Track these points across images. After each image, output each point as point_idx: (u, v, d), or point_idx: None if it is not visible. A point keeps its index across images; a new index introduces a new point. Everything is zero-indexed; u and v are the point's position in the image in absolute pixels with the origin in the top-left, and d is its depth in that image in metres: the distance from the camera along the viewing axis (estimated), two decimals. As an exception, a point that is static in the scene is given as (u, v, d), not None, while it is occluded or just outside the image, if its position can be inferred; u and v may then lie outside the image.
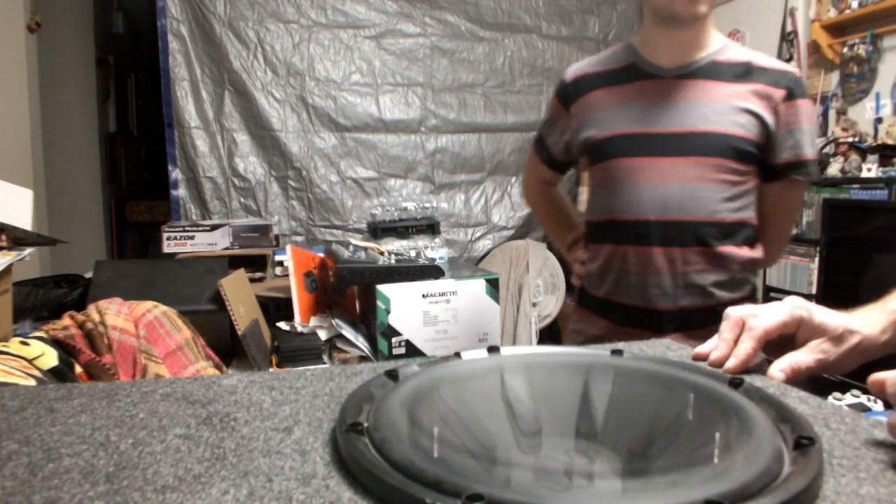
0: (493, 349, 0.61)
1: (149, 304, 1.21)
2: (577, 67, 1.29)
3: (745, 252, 1.17)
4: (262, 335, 1.60)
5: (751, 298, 1.22)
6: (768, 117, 1.12)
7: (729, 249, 1.15)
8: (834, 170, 3.01)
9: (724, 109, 1.12)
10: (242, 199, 3.32)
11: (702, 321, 1.16)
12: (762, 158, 1.15)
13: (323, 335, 1.58)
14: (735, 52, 1.18)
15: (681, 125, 1.13)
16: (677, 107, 1.14)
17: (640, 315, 1.17)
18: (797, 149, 1.14)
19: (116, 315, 1.10)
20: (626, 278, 1.18)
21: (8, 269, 1.20)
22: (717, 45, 1.18)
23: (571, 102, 1.27)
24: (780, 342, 0.65)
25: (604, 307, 1.24)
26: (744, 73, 1.14)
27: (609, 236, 1.21)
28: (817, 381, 2.42)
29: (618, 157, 1.17)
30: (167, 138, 3.22)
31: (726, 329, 0.65)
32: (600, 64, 1.26)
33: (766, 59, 1.17)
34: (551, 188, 1.48)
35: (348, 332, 1.55)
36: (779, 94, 1.13)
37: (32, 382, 0.84)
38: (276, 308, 1.96)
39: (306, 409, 0.52)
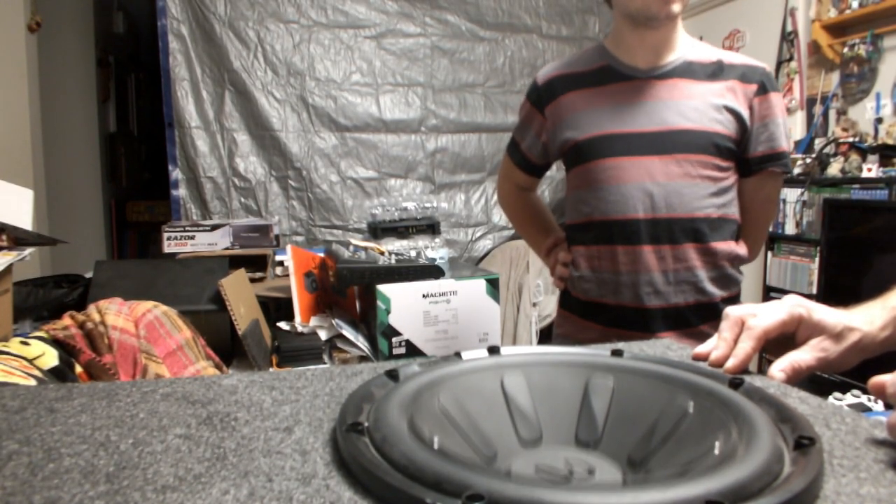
0: (493, 349, 0.61)
1: (149, 303, 1.21)
2: (548, 70, 1.30)
3: (732, 247, 1.19)
4: (262, 335, 1.60)
5: (739, 296, 1.23)
6: (744, 112, 1.15)
7: (717, 245, 1.16)
8: (834, 170, 3.01)
9: (702, 107, 1.14)
10: (243, 199, 3.32)
11: (693, 319, 1.17)
12: (739, 154, 1.17)
13: (323, 335, 1.58)
14: (705, 52, 1.20)
15: (662, 124, 1.14)
16: (656, 106, 1.16)
17: (631, 315, 1.17)
18: (772, 141, 1.17)
19: (117, 315, 1.10)
20: (615, 279, 1.18)
21: (8, 269, 1.20)
22: (688, 45, 1.20)
23: (545, 105, 1.28)
24: (780, 341, 0.65)
25: (591, 310, 1.24)
26: (716, 71, 1.17)
27: (596, 237, 1.20)
28: (817, 381, 2.41)
29: (601, 158, 1.17)
30: (167, 138, 3.22)
31: (726, 329, 0.65)
32: (572, 66, 1.27)
33: (736, 56, 1.20)
34: (528, 193, 1.48)
35: (348, 332, 1.55)
36: (751, 89, 1.16)
37: (33, 382, 0.84)
38: (277, 308, 1.96)
39: (307, 409, 0.52)
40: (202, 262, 1.79)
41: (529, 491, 0.34)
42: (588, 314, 1.25)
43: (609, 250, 1.18)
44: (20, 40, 2.72)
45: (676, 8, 1.11)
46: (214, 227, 2.64)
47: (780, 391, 0.57)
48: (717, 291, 1.17)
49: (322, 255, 1.84)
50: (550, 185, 3.69)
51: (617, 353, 0.61)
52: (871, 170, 2.84)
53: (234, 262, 1.99)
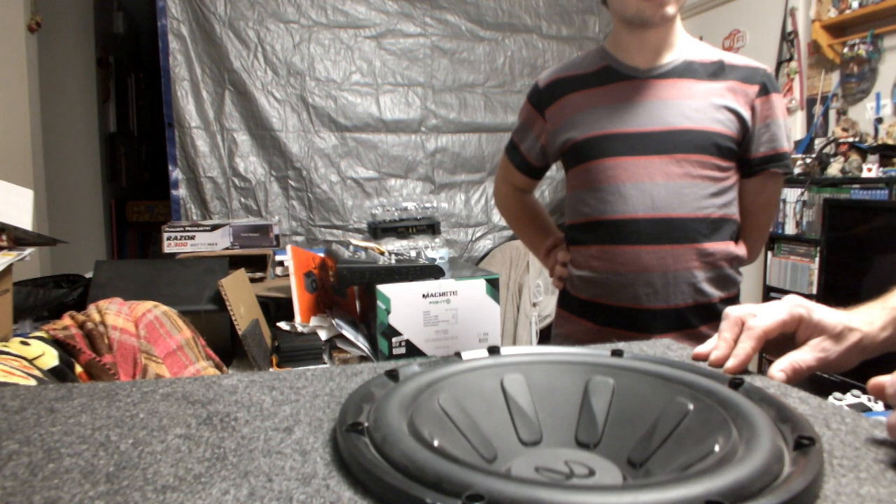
0: (493, 349, 0.61)
1: (149, 304, 1.21)
2: (550, 73, 1.30)
3: (731, 248, 1.18)
4: (262, 335, 1.60)
5: (738, 296, 1.23)
6: (745, 113, 1.15)
7: (717, 245, 1.16)
8: (834, 170, 3.01)
9: (702, 107, 1.14)
10: (243, 199, 3.32)
11: (692, 320, 1.16)
12: (740, 154, 1.17)
13: (323, 335, 1.58)
14: (706, 52, 1.20)
15: (662, 124, 1.14)
16: (657, 106, 1.15)
17: (630, 315, 1.17)
18: (774, 142, 1.17)
19: (117, 315, 1.10)
20: (614, 279, 1.18)
21: (8, 269, 1.21)
22: (688, 45, 1.20)
23: (546, 107, 1.28)
24: (780, 341, 0.65)
25: (590, 310, 1.23)
26: (717, 71, 1.17)
27: (595, 237, 1.20)
28: (818, 381, 2.42)
29: (601, 158, 1.17)
30: (167, 138, 3.22)
31: (726, 329, 0.65)
32: (573, 68, 1.27)
33: (737, 57, 1.20)
34: (525, 195, 1.48)
35: (348, 332, 1.55)
36: (753, 89, 1.15)
37: (33, 382, 0.84)
38: (277, 308, 1.96)
39: (307, 409, 0.52)
40: (202, 262, 1.80)
41: (529, 491, 0.34)
42: (587, 314, 1.24)
43: (608, 250, 1.18)
44: (20, 40, 2.72)
45: (671, 10, 1.11)
46: (214, 227, 2.64)
47: (780, 391, 0.57)
48: (715, 292, 1.17)
49: (322, 255, 1.84)
50: (550, 185, 3.69)
51: (617, 353, 0.61)
52: (871, 170, 2.84)
53: (234, 262, 1.99)
